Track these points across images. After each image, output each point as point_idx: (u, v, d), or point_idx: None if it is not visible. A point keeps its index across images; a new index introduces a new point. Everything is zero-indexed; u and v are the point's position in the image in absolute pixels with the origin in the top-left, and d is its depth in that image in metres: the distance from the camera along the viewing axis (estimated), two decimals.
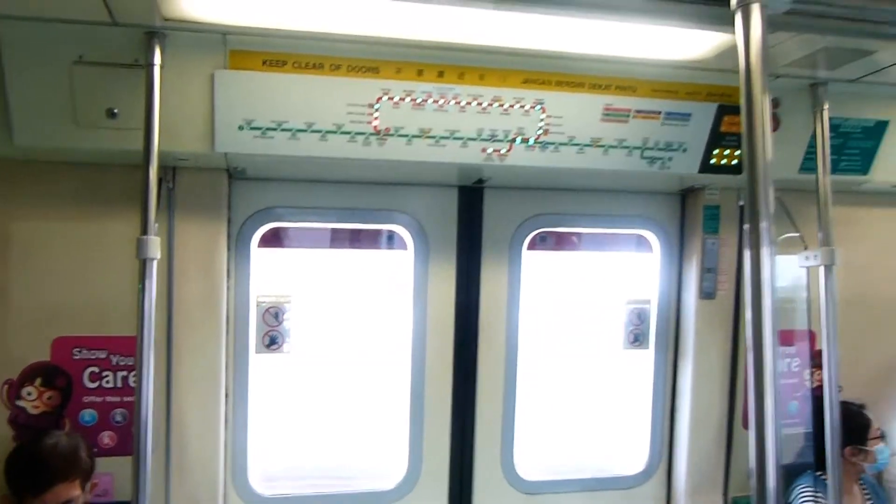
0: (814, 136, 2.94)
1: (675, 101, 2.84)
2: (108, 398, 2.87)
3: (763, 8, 1.59)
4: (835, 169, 3.05)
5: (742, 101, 1.65)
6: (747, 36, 1.63)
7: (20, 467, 2.55)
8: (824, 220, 2.90)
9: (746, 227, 1.62)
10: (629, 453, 3.68)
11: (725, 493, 3.54)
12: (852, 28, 2.22)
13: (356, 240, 3.46)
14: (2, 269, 2.74)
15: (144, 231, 2.34)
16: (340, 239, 3.44)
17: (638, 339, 3.59)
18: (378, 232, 3.43)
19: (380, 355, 3.45)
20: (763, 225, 1.59)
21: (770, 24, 1.69)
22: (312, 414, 3.45)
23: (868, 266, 3.61)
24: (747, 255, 1.60)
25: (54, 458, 2.54)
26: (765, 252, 1.58)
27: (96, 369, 2.84)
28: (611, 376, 3.71)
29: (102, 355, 2.84)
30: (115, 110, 2.44)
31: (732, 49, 2.45)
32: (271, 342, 3.17)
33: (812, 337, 3.34)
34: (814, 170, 2.94)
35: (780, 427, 1.53)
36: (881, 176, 3.25)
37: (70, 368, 2.82)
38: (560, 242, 3.61)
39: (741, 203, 3.41)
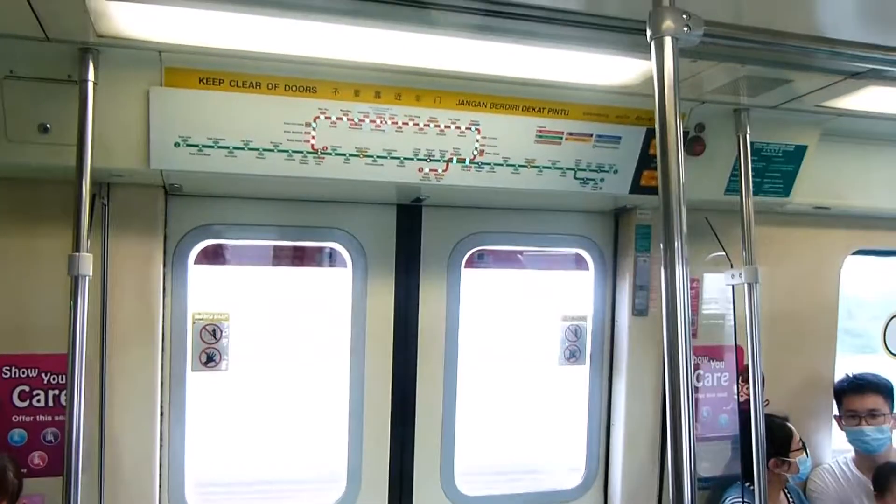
0: (738, 160, 3.06)
1: (606, 124, 2.92)
2: (39, 417, 2.82)
3: (675, 40, 1.67)
4: (758, 191, 3.19)
5: (657, 126, 1.72)
6: (661, 66, 1.70)
7: None
8: (748, 240, 3.01)
9: (661, 246, 1.69)
10: (566, 467, 3.73)
11: None
12: (766, 58, 2.34)
13: (295, 257, 3.47)
14: None
15: (77, 248, 2.32)
16: (279, 256, 3.44)
17: (574, 356, 3.66)
18: (317, 249, 3.45)
19: (318, 372, 3.45)
20: (677, 244, 1.66)
21: (687, 53, 1.77)
22: (252, 430, 3.43)
23: (790, 283, 3.75)
24: (662, 273, 1.66)
25: None
26: (678, 270, 1.65)
27: (26, 388, 2.79)
28: (547, 392, 3.77)
29: (33, 374, 2.79)
30: (48, 125, 2.42)
31: None
32: (208, 360, 3.14)
33: (739, 352, 3.44)
34: (737, 192, 3.06)
35: (694, 441, 1.59)
36: (801, 197, 3.39)
37: None
38: (498, 260, 3.67)
39: None
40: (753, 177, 3.05)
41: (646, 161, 3.04)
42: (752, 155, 3.03)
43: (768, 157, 3.22)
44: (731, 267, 3.18)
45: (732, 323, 3.27)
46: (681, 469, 1.55)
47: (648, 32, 1.69)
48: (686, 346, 1.59)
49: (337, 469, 3.38)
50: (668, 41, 1.66)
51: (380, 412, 3.38)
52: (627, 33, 2.12)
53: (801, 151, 3.24)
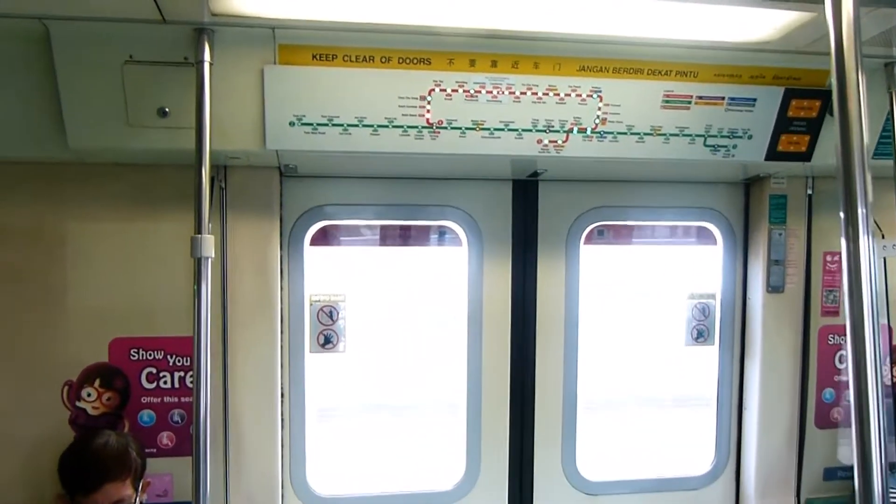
0: (889, 120, 2.78)
1: (739, 85, 2.71)
2: (166, 399, 2.88)
3: None
4: None
5: (833, 83, 1.53)
6: (838, 10, 1.51)
7: (71, 467, 2.57)
8: None
9: (842, 217, 1.51)
10: (695, 453, 3.55)
11: (798, 495, 3.39)
12: None
13: (410, 236, 3.42)
14: (58, 272, 2.76)
15: (198, 230, 2.32)
16: (394, 236, 3.40)
17: (702, 336, 3.46)
18: (432, 228, 3.39)
19: (436, 353, 3.40)
20: (861, 213, 1.48)
21: None
22: (370, 413, 3.43)
23: None
24: (844, 247, 1.49)
25: (104, 458, 2.54)
26: (863, 242, 1.48)
27: (153, 370, 2.85)
28: (674, 373, 3.60)
29: (159, 356, 2.85)
30: (167, 109, 2.44)
31: (801, 28, 2.35)
32: (326, 341, 3.14)
33: (890, 332, 3.16)
34: (889, 155, 2.79)
35: (885, 429, 1.43)
36: None
37: (128, 369, 2.83)
38: (619, 236, 3.50)
39: (810, 192, 3.27)
40: None
41: (784, 124, 2.81)
42: None
43: None
44: (883, 237, 2.90)
45: (885, 299, 2.99)
46: (868, 459, 1.38)
47: None
48: (873, 325, 1.42)
49: (456, 453, 3.32)
50: None
51: (498, 394, 3.30)
52: None
53: None
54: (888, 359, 3.34)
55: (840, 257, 3.29)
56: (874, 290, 1.46)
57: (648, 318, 3.61)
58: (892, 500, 3.05)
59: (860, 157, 1.48)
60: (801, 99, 2.77)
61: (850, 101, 1.48)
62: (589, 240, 3.36)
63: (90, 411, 2.82)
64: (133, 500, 2.53)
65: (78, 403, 2.80)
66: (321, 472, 3.23)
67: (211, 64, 2.32)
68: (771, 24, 2.38)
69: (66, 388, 2.79)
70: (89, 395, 2.81)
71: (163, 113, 2.44)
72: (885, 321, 3.08)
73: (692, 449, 3.58)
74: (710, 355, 3.49)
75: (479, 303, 3.25)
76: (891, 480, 3.12)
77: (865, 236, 1.46)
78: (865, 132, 2.84)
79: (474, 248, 3.24)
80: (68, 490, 2.54)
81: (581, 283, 3.34)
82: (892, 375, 3.33)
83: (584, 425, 3.40)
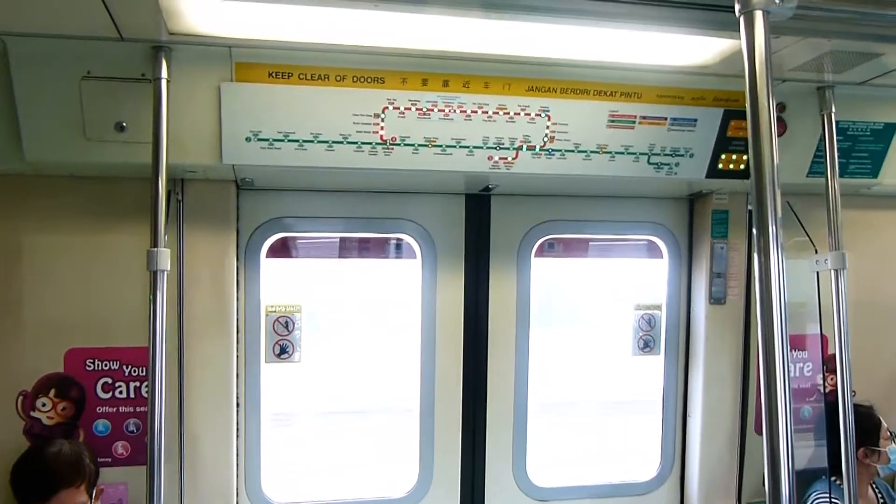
0: (822, 140, 2.92)
1: (681, 106, 2.83)
2: (122, 408, 2.89)
3: (766, 14, 1.59)
4: (843, 172, 3.04)
5: (747, 107, 1.65)
6: (751, 42, 1.62)
7: (25, 475, 2.58)
8: (834, 224, 2.88)
9: (755, 231, 1.62)
10: (641, 459, 3.66)
11: (739, 499, 3.52)
12: (857, 32, 2.22)
13: (364, 248, 3.47)
14: (15, 283, 2.77)
15: (154, 243, 2.36)
16: (349, 248, 3.45)
17: (648, 345, 3.58)
18: (386, 240, 3.45)
19: (389, 362, 3.45)
20: (772, 229, 1.59)
21: (774, 29, 1.69)
22: (323, 422, 3.46)
23: (878, 269, 3.58)
24: (756, 260, 1.59)
25: (58, 465, 2.56)
26: (774, 257, 1.58)
27: (109, 380, 2.87)
28: (621, 382, 3.70)
29: (115, 366, 2.87)
30: (124, 124, 2.47)
31: (737, 54, 2.44)
32: (282, 351, 3.18)
33: (824, 341, 3.31)
34: (822, 173, 2.92)
35: (793, 432, 1.52)
36: (891, 178, 3.22)
37: (83, 379, 2.85)
38: (568, 249, 3.60)
39: (750, 207, 3.40)
40: (839, 157, 2.90)
41: (723, 144, 2.93)
42: (837, 135, 2.89)
43: (854, 136, 3.07)
44: (816, 252, 3.04)
45: (817, 311, 3.12)
46: (778, 463, 1.48)
47: (737, 7, 1.61)
48: (783, 335, 1.52)
49: (409, 460, 3.38)
50: (759, 15, 1.58)
51: (451, 401, 3.37)
52: (709, 10, 2.04)
53: (890, 130, 3.08)
54: (822, 368, 3.49)
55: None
56: (784, 302, 1.56)
57: (597, 328, 3.71)
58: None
59: (771, 178, 1.58)
60: (740, 119, 2.90)
61: (762, 125, 1.59)
62: (540, 252, 3.45)
63: (45, 421, 2.82)
64: None
65: (33, 413, 2.81)
66: (276, 481, 3.26)
67: (168, 81, 2.36)
68: (710, 50, 2.50)
69: (20, 397, 2.80)
70: (44, 404, 2.82)
71: (120, 127, 2.47)
72: (819, 332, 3.22)
73: (639, 455, 3.68)
74: (655, 365, 3.60)
75: (432, 313, 3.32)
76: (821, 485, 3.27)
77: (775, 251, 1.56)
78: (799, 152, 3.01)
79: (428, 260, 3.31)
80: (21, 499, 2.55)
81: (532, 295, 3.42)
82: (824, 385, 3.48)
83: (535, 433, 3.48)
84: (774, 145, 1.61)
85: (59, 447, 2.63)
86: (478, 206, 3.36)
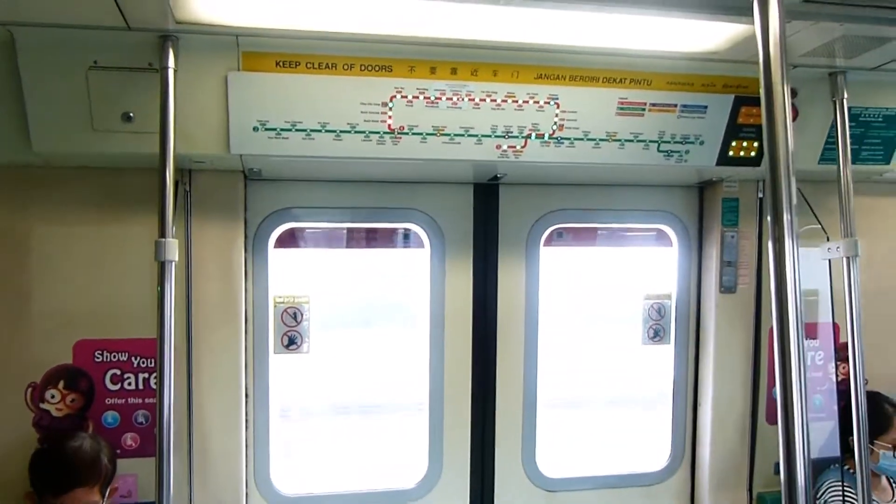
0: (833, 127, 2.90)
1: (691, 93, 2.81)
2: (131, 400, 2.89)
3: None
4: (855, 159, 3.00)
5: (761, 93, 1.63)
6: (765, 26, 1.60)
7: (43, 468, 2.58)
8: (846, 211, 2.85)
9: (769, 219, 1.60)
10: (651, 450, 3.65)
11: (750, 489, 3.50)
12: (871, 16, 2.19)
13: (373, 239, 3.46)
14: (23, 274, 2.77)
15: (162, 234, 2.35)
16: (357, 238, 3.44)
17: (658, 335, 3.56)
18: (395, 230, 3.43)
19: (398, 352, 3.45)
20: (786, 217, 1.57)
21: (787, 13, 1.67)
22: (332, 413, 3.46)
23: (889, 256, 3.55)
24: (771, 248, 1.57)
25: (77, 463, 2.56)
26: (788, 245, 1.56)
27: (118, 371, 2.87)
28: (631, 372, 3.69)
29: (124, 357, 2.87)
30: (131, 114, 2.46)
31: (748, 40, 2.44)
32: (290, 342, 3.18)
33: (836, 330, 3.28)
34: (833, 160, 2.90)
35: (808, 422, 1.51)
36: None
37: (92, 371, 2.85)
38: (577, 238, 3.59)
39: (761, 195, 3.38)
40: (851, 144, 2.87)
41: (734, 131, 2.91)
42: (849, 121, 2.86)
43: (867, 122, 3.04)
44: (828, 240, 3.01)
45: (829, 299, 3.10)
46: (793, 453, 1.47)
47: None
48: (798, 324, 1.50)
49: (419, 451, 3.38)
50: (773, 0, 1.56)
51: (460, 392, 3.37)
52: None
53: None
54: (834, 357, 3.47)
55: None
56: (798, 290, 1.55)
57: (606, 318, 3.69)
58: (835, 494, 3.19)
59: (786, 165, 1.57)
60: (751, 106, 2.87)
61: (777, 111, 1.56)
62: (549, 242, 3.44)
63: (54, 413, 2.82)
64: None
65: (42, 405, 2.81)
66: (285, 472, 3.26)
67: (175, 70, 2.35)
68: (720, 36, 2.48)
69: (29, 389, 2.80)
70: (53, 396, 2.82)
71: (127, 118, 2.46)
72: (831, 320, 3.19)
73: (649, 445, 3.67)
74: (665, 354, 3.59)
75: (441, 303, 3.31)
76: (833, 475, 3.26)
77: (790, 239, 1.54)
78: (811, 139, 2.98)
79: (436, 250, 3.30)
80: (37, 489, 2.56)
81: (541, 284, 3.41)
82: (837, 374, 3.46)
83: (544, 423, 3.47)
84: (789, 132, 1.59)
85: (81, 442, 2.63)
86: (486, 195, 3.34)
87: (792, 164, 1.57)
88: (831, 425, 3.41)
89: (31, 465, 2.62)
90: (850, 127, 2.88)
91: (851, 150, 2.87)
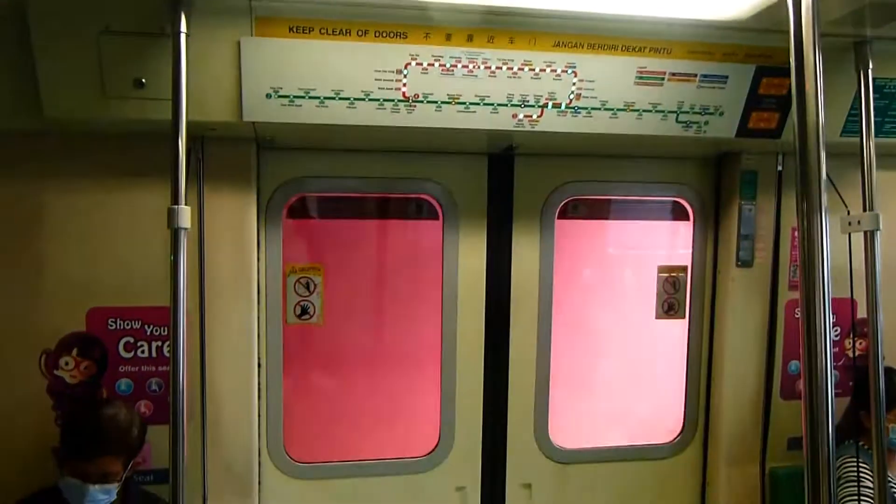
0: (857, 98, 2.83)
1: (712, 62, 2.75)
2: (144, 368, 2.90)
3: None
4: (878, 132, 2.94)
5: (791, 62, 1.58)
6: None
7: (77, 430, 2.57)
8: (868, 184, 2.79)
9: (797, 194, 1.56)
10: (664, 423, 3.64)
11: (763, 464, 3.49)
12: None
13: (386, 209, 3.44)
14: (35, 242, 2.76)
15: (175, 201, 2.33)
16: (370, 208, 3.43)
17: (672, 308, 3.53)
18: (409, 201, 3.41)
19: (412, 324, 3.45)
20: (816, 192, 1.53)
21: None
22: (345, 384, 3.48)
23: None
24: (798, 222, 1.54)
25: (110, 431, 2.55)
26: (817, 220, 1.53)
27: (131, 339, 2.87)
28: (645, 345, 3.67)
29: (137, 325, 2.87)
30: (143, 80, 2.43)
31: (771, 8, 2.38)
32: (303, 312, 3.17)
33: (854, 305, 3.24)
34: (855, 132, 2.83)
35: (833, 398, 1.49)
36: None
37: (105, 338, 2.85)
38: (592, 211, 3.55)
39: (780, 168, 3.33)
40: (874, 116, 2.81)
41: (755, 102, 2.85)
42: (873, 92, 2.79)
43: (891, 94, 2.98)
44: (848, 214, 2.96)
45: (849, 274, 3.05)
46: (816, 427, 1.45)
47: None
48: (825, 302, 1.47)
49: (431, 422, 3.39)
50: None
51: (473, 364, 3.36)
52: None
53: None
54: (851, 332, 3.43)
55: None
56: (826, 265, 1.51)
57: (621, 290, 3.67)
58: (850, 469, 3.16)
59: (815, 136, 1.53)
60: (772, 77, 2.82)
61: (808, 82, 1.53)
62: (563, 214, 3.40)
63: (68, 380, 2.83)
64: (119, 478, 2.55)
65: (56, 372, 2.82)
66: (298, 440, 3.28)
67: (187, 35, 2.31)
68: (743, 4, 2.42)
69: (43, 356, 2.81)
70: (67, 363, 2.83)
71: (139, 84, 2.44)
72: (850, 296, 3.14)
73: (662, 418, 3.66)
74: (680, 328, 3.56)
75: (454, 275, 3.29)
76: (848, 450, 3.23)
77: (818, 212, 1.51)
78: (833, 110, 2.91)
79: (450, 221, 3.27)
80: (65, 447, 2.57)
81: (555, 256, 3.38)
82: (854, 349, 3.42)
83: (557, 395, 3.47)
84: (820, 104, 1.55)
85: (116, 411, 2.61)
86: (501, 166, 3.30)
87: (823, 137, 1.54)
88: (847, 401, 3.38)
89: (64, 424, 2.66)
90: (874, 99, 2.81)
91: (875, 122, 2.81)
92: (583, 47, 2.64)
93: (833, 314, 3.34)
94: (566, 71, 2.66)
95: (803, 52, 1.55)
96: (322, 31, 2.47)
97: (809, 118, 1.55)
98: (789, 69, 2.66)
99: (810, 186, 1.54)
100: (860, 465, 3.09)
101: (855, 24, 2.57)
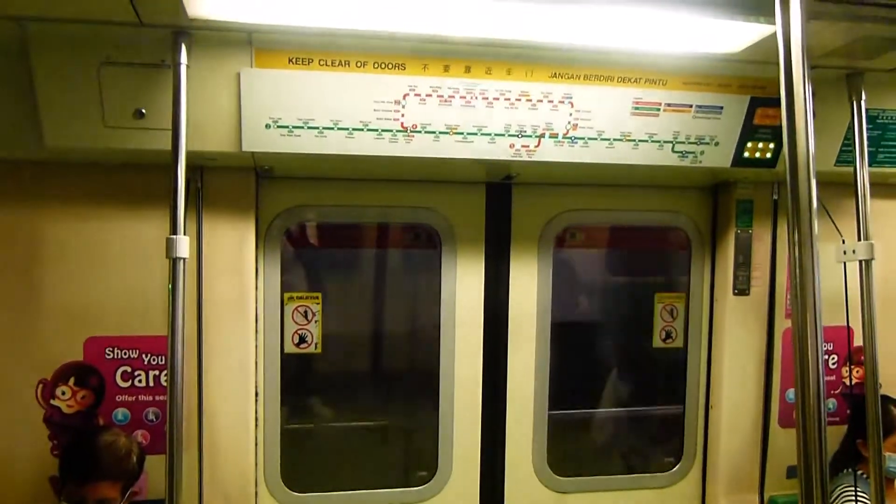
0: (850, 128, 2.86)
1: (707, 93, 2.78)
2: (141, 397, 2.89)
3: None
4: (872, 161, 2.97)
5: (782, 94, 1.61)
6: (787, 27, 1.58)
7: (75, 456, 2.58)
8: (863, 213, 2.81)
9: (789, 224, 1.58)
10: (663, 452, 3.63)
11: (762, 493, 3.47)
12: (893, 17, 2.16)
13: (384, 237, 3.45)
14: (34, 270, 2.77)
15: (174, 231, 2.34)
16: (368, 237, 3.44)
17: (670, 336, 3.54)
18: (406, 230, 3.43)
19: (409, 352, 3.45)
20: (807, 222, 1.55)
21: (809, 14, 1.65)
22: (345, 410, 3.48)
23: None
24: (790, 252, 1.55)
25: (108, 457, 2.55)
26: (808, 249, 1.54)
27: (128, 369, 2.86)
28: (643, 373, 3.68)
29: (134, 355, 2.86)
30: (143, 110, 2.45)
31: (765, 40, 2.42)
32: (301, 341, 3.17)
33: (850, 334, 3.24)
34: (850, 162, 2.86)
35: (825, 426, 1.49)
36: None
37: (102, 368, 2.84)
38: (589, 239, 3.57)
39: (775, 197, 3.35)
40: (868, 146, 2.84)
41: (750, 132, 2.88)
42: (866, 123, 2.83)
43: (884, 125, 3.01)
44: (844, 243, 2.98)
45: (844, 302, 3.06)
46: (809, 457, 1.44)
47: None
48: (817, 330, 1.48)
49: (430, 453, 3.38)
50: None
51: (470, 393, 3.35)
52: None
53: None
54: (848, 361, 3.44)
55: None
56: (817, 294, 1.52)
57: (618, 318, 3.68)
58: (849, 497, 3.15)
59: (806, 167, 1.54)
60: (767, 107, 2.84)
61: (798, 114, 1.54)
62: (561, 243, 3.42)
63: (65, 409, 2.82)
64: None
65: (52, 401, 2.81)
66: (295, 471, 3.26)
67: (188, 67, 2.34)
68: (737, 36, 2.45)
69: (40, 386, 2.80)
70: (63, 393, 2.82)
71: (139, 114, 2.46)
72: (846, 324, 3.15)
73: (660, 448, 3.64)
74: (678, 356, 3.57)
75: (452, 303, 3.29)
76: (846, 478, 3.22)
77: (809, 242, 1.52)
78: (827, 141, 2.94)
79: (448, 250, 3.28)
80: (63, 475, 2.56)
81: (552, 284, 3.39)
82: (850, 377, 3.43)
83: (555, 424, 3.46)
84: (810, 134, 1.57)
85: (114, 439, 2.61)
86: (499, 195, 3.32)
87: (813, 168, 1.56)
88: (844, 429, 3.38)
89: (63, 451, 2.66)
90: (867, 129, 2.85)
91: (868, 152, 2.84)
92: (579, 78, 2.68)
93: (830, 342, 3.39)
94: (563, 101, 2.68)
95: (793, 85, 1.57)
96: (321, 62, 2.49)
97: (800, 149, 1.57)
98: None
99: (801, 216, 1.55)
100: (858, 493, 3.08)
101: (848, 56, 2.60)
